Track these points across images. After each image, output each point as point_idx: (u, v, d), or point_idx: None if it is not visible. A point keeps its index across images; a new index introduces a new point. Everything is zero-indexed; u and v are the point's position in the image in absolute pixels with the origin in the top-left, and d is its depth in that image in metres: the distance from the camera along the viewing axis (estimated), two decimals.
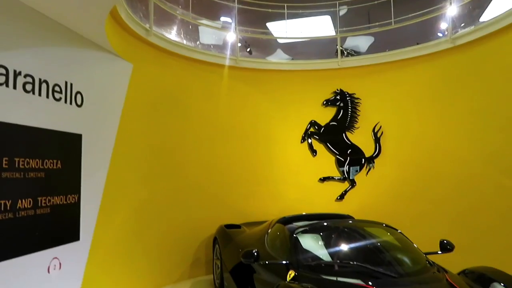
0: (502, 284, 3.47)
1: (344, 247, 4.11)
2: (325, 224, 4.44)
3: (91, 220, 4.26)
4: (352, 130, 7.19)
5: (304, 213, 5.36)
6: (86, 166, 4.12)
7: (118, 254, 5.14)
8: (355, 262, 3.73)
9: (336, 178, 7.17)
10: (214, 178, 6.77)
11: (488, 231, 5.79)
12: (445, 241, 4.27)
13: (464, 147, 6.23)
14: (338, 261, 3.84)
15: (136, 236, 5.55)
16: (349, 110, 7.18)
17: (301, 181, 7.26)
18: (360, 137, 7.16)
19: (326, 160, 7.26)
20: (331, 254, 3.99)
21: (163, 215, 6.09)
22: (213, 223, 6.53)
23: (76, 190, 3.99)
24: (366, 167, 7.08)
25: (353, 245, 4.11)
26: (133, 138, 5.38)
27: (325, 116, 7.31)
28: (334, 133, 7.23)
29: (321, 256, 3.96)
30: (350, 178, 7.10)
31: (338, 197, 7.14)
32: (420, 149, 6.69)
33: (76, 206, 3.99)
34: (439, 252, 4.21)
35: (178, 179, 6.36)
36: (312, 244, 4.15)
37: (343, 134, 7.20)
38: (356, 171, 7.09)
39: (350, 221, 4.68)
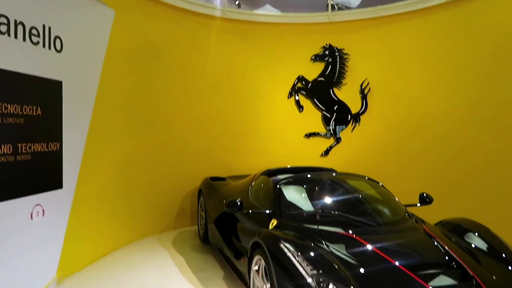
0: (477, 234, 3.60)
1: (326, 198, 4.19)
2: (308, 176, 4.50)
3: (74, 169, 4.23)
4: (339, 86, 7.14)
5: (288, 166, 5.41)
6: (67, 114, 4.04)
7: (102, 204, 5.18)
8: (336, 212, 3.81)
9: (322, 134, 7.21)
10: (199, 132, 6.74)
11: (466, 185, 5.96)
12: (424, 194, 4.38)
13: (446, 103, 6.30)
14: (320, 211, 3.91)
15: (120, 187, 5.58)
16: (338, 65, 7.10)
17: (287, 137, 7.28)
18: (347, 94, 7.14)
19: (312, 116, 7.25)
20: (313, 205, 4.07)
21: (148, 168, 6.09)
22: (198, 176, 6.57)
23: (58, 138, 3.93)
24: (352, 123, 7.11)
25: (335, 196, 4.19)
26: (116, 90, 5.28)
27: (313, 71, 7.23)
28: (322, 89, 7.19)
29: (303, 207, 4.04)
30: (336, 134, 7.14)
31: (323, 153, 7.20)
32: (404, 105, 6.73)
33: (58, 154, 3.95)
34: (418, 204, 4.33)
35: (163, 132, 6.31)
36: (295, 195, 4.22)
37: (331, 90, 7.16)
38: (342, 127, 7.12)
39: (333, 174, 4.74)
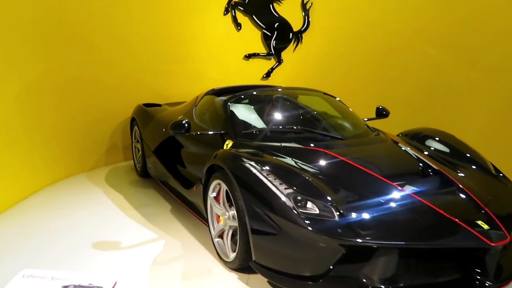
0: (437, 139, 3.46)
1: (283, 114, 3.76)
2: (259, 92, 4.02)
3: None
4: (280, 1, 6.53)
5: (232, 85, 4.88)
6: None
7: (15, 139, 4.32)
8: (298, 128, 3.42)
9: (262, 54, 6.67)
10: (128, 54, 5.81)
11: (416, 100, 5.91)
12: (380, 107, 4.15)
13: (392, 19, 6.04)
14: (280, 128, 3.50)
15: (35, 118, 4.71)
16: None
17: (224, 59, 6.63)
18: (288, 9, 6.57)
19: (251, 35, 6.63)
20: (270, 122, 3.64)
21: (69, 95, 5.20)
22: (129, 104, 5.78)
23: None
24: (294, 42, 6.64)
25: (292, 112, 3.79)
26: None
27: None
28: (261, 4, 6.52)
29: (259, 125, 3.59)
30: (278, 54, 6.65)
31: (264, 75, 6.73)
32: (349, 22, 6.37)
33: None
34: (375, 118, 4.11)
35: (85, 53, 5.35)
36: (248, 113, 3.75)
37: (271, 6, 6.53)
38: (284, 46, 6.63)
39: (286, 89, 4.29)
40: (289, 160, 2.85)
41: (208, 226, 3.16)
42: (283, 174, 2.60)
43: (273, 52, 6.62)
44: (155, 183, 4.83)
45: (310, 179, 2.57)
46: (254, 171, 2.59)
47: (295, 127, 3.48)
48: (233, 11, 6.48)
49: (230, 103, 3.73)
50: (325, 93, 4.15)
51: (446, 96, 5.71)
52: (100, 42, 5.53)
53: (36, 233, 3.59)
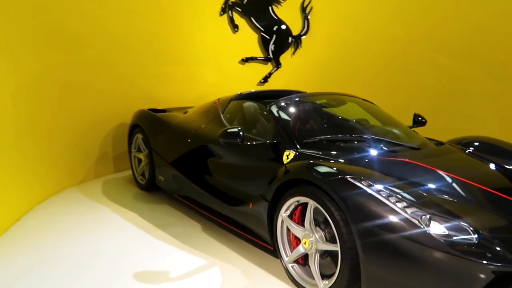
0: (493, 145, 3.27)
1: (340, 122, 3.46)
2: (304, 98, 3.69)
3: None
4: (279, 2, 6.25)
5: (259, 90, 4.51)
6: None
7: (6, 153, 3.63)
8: (367, 136, 3.13)
9: (260, 58, 6.34)
10: (120, 54, 5.23)
11: (421, 107, 5.87)
12: (418, 115, 4.01)
13: (396, 24, 6.01)
14: (347, 136, 3.18)
15: (28, 126, 4.01)
16: None
17: (220, 62, 6.21)
18: (287, 13, 6.31)
19: (249, 38, 6.28)
20: (328, 131, 3.32)
21: (58, 99, 4.54)
22: (121, 109, 5.26)
23: None
24: (293, 46, 6.39)
25: (349, 119, 3.50)
26: None
27: None
28: (260, 5, 6.20)
29: (320, 133, 3.24)
30: (276, 58, 6.35)
31: (262, 80, 6.40)
32: (350, 26, 6.26)
33: None
34: (412, 126, 3.94)
35: (74, 52, 4.71)
36: (302, 121, 3.37)
37: (270, 8, 6.24)
38: (283, 50, 6.35)
39: (331, 94, 3.97)
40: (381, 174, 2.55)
41: (277, 249, 2.77)
42: (395, 190, 2.30)
43: (271, 56, 6.33)
44: (167, 197, 4.32)
45: (427, 195, 2.30)
46: (362, 186, 2.26)
47: (362, 136, 3.18)
48: (230, 11, 6.11)
49: (279, 109, 3.36)
50: (364, 100, 3.91)
51: (453, 102, 5.77)
52: (91, 41, 4.92)
53: (52, 265, 2.97)
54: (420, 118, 3.97)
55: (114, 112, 5.26)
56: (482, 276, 1.93)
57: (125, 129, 5.12)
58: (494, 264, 1.94)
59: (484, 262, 1.95)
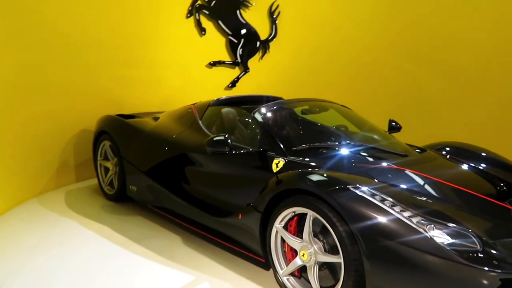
0: (484, 154, 3.33)
1: (326, 128, 3.42)
2: (287, 104, 3.62)
3: None
4: (247, 6, 6.16)
5: (236, 95, 4.39)
6: None
7: None
8: (356, 143, 3.11)
9: (228, 62, 6.22)
10: (80, 55, 4.90)
11: (390, 113, 6.00)
12: (393, 121, 4.04)
13: (363, 31, 6.13)
14: (335, 143, 3.15)
15: None
16: None
17: (187, 66, 6.02)
18: (255, 17, 6.24)
19: (216, 41, 6.15)
20: (316, 138, 3.27)
21: (10, 103, 4.19)
22: (82, 115, 4.95)
23: None
24: (261, 51, 6.33)
25: (329, 126, 3.47)
26: None
27: None
28: (227, 8, 6.09)
29: (307, 141, 3.17)
30: (244, 63, 6.26)
31: (230, 84, 6.28)
32: (318, 32, 6.30)
33: None
34: (388, 132, 3.98)
35: (28, 53, 4.36)
36: (288, 128, 3.31)
37: (238, 11, 6.14)
38: (251, 55, 6.27)
39: (312, 101, 3.91)
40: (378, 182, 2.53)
41: (271, 262, 2.67)
42: (397, 198, 2.27)
43: (239, 60, 6.23)
44: (139, 208, 4.08)
45: (430, 203, 2.29)
46: (365, 196, 2.22)
47: (355, 143, 3.15)
48: (197, 14, 5.95)
49: (264, 116, 3.26)
50: (343, 106, 3.91)
51: (421, 109, 5.95)
52: (49, 42, 4.58)
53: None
54: (394, 124, 3.99)
55: (76, 118, 4.93)
56: (490, 283, 1.94)
57: (88, 135, 4.83)
58: (501, 271, 1.96)
59: (492, 269, 1.96)
